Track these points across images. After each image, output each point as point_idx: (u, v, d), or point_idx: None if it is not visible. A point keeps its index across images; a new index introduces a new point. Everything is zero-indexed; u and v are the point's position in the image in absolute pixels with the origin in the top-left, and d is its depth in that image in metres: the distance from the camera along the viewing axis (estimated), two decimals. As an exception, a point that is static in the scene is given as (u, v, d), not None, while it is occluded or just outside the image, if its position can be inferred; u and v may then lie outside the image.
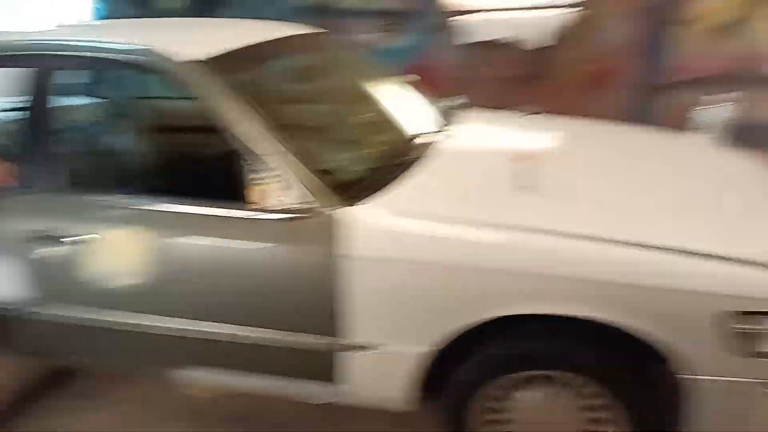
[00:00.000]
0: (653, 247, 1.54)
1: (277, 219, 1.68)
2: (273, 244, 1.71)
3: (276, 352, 1.80)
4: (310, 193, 1.67)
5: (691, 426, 1.57)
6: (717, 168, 2.22)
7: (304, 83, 2.56)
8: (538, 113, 2.65)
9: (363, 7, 4.54)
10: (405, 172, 1.90)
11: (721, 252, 1.52)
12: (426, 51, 4.56)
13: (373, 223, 1.66)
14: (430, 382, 1.72)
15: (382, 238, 1.65)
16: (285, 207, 1.67)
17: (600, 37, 4.21)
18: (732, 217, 1.81)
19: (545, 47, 4.18)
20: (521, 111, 2.68)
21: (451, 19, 4.36)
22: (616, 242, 1.56)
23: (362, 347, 1.71)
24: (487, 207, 1.76)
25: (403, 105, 2.51)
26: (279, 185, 1.67)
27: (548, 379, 1.67)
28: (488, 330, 1.62)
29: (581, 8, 4.12)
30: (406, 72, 4.22)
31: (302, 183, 1.67)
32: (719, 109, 2.30)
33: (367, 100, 2.46)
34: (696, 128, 2.37)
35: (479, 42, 4.30)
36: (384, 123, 2.31)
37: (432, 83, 4.49)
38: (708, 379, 1.52)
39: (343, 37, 3.02)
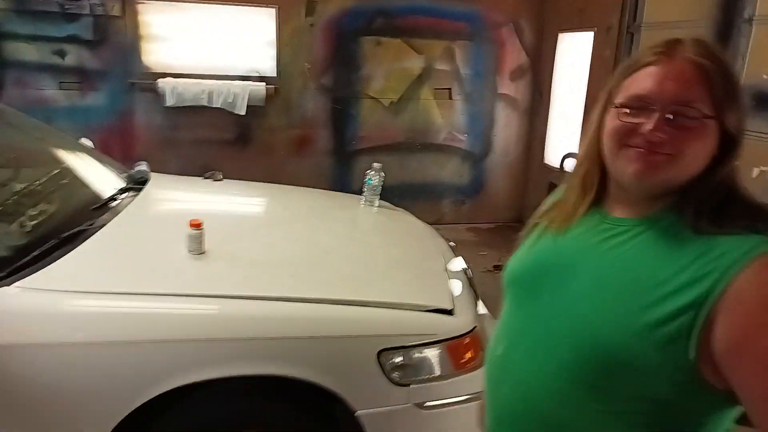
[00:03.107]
0: (317, 301, 1.71)
1: None
2: None
3: None
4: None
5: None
6: (380, 224, 2.61)
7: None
8: (221, 179, 2.76)
9: (49, 61, 4.15)
10: (77, 243, 1.80)
11: (371, 299, 1.76)
12: (124, 111, 4.37)
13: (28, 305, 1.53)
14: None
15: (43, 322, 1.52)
16: None
17: (295, 109, 4.63)
18: (382, 267, 2.11)
19: (247, 114, 4.41)
20: (205, 177, 2.75)
21: (150, 81, 4.28)
22: (280, 299, 1.70)
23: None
24: (156, 277, 1.76)
25: (81, 170, 2.36)
26: None
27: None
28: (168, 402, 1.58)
29: (274, 83, 4.49)
30: (96, 133, 3.99)
31: None
32: (380, 173, 2.71)
33: (38, 167, 2.25)
34: (365, 190, 2.74)
35: (181, 106, 4.30)
36: (55, 191, 2.14)
37: (127, 145, 4.36)
38: (377, 412, 1.68)
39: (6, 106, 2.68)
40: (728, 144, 0.80)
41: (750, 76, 2.94)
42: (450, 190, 5.13)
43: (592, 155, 0.89)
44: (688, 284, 0.74)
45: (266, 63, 4.54)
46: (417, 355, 1.70)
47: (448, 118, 4.97)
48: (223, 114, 4.42)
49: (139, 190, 2.39)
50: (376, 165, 2.72)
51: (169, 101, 4.28)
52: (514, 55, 4.94)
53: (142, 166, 2.57)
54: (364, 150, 4.84)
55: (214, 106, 4.36)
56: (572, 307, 0.84)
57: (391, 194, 3.02)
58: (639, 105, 0.80)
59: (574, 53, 4.52)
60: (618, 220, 0.87)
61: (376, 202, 2.71)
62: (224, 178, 2.84)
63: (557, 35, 4.71)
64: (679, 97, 0.77)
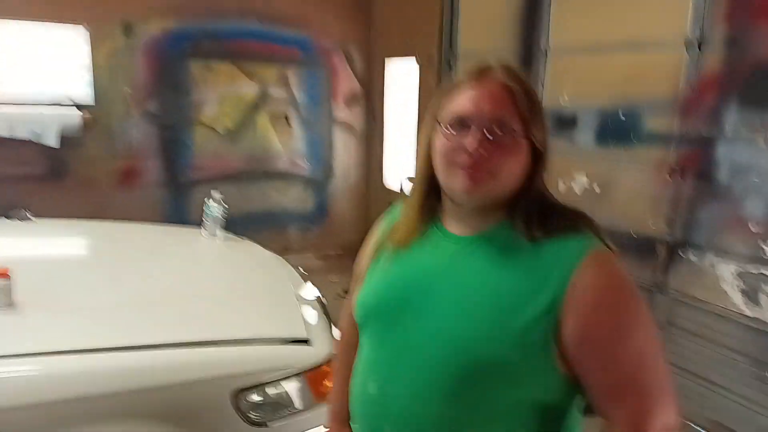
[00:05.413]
0: (156, 347, 1.56)
1: None
2: None
3: None
4: None
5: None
6: (224, 257, 2.48)
7: None
8: (27, 218, 2.42)
9: None
10: None
11: (219, 337, 1.65)
12: None
13: None
14: None
15: None
16: None
17: (118, 137, 4.25)
18: (229, 302, 1.99)
19: (61, 146, 3.93)
20: (9, 216, 2.39)
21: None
22: (110, 349, 1.52)
23: None
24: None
25: None
26: None
27: None
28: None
29: (92, 110, 4.08)
30: None
31: None
32: (220, 202, 2.58)
33: None
34: (205, 221, 2.59)
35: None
36: None
37: None
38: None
39: None
40: (538, 158, 0.89)
41: (549, 101, 3.36)
42: (295, 218, 5.08)
43: (425, 175, 0.94)
44: (539, 290, 0.81)
45: (81, 88, 4.11)
46: (275, 390, 1.62)
47: (287, 145, 4.94)
48: (31, 146, 3.89)
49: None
50: (215, 194, 2.59)
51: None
52: (347, 82, 5.09)
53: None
54: (201, 180, 4.60)
55: (18, 137, 3.82)
56: (441, 329, 0.86)
57: (235, 225, 2.89)
58: (460, 123, 0.86)
59: (403, 78, 4.79)
60: (459, 238, 0.91)
61: (219, 233, 2.57)
62: (36, 216, 2.48)
63: (384, 61, 4.96)
64: (494, 114, 0.85)
